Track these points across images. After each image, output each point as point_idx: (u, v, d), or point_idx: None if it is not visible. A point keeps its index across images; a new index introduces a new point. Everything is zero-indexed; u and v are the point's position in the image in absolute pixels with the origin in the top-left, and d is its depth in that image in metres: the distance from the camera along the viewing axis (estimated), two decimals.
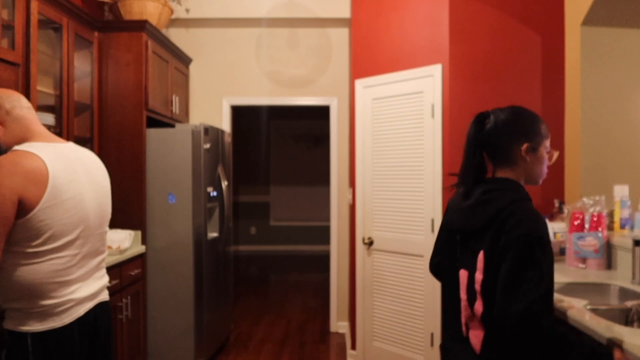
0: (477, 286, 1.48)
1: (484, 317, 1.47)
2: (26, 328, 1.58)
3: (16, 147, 1.62)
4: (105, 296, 1.85)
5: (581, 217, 2.54)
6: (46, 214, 1.56)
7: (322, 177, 7.88)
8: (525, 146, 1.52)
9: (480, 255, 1.46)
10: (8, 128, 1.66)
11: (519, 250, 1.36)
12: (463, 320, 1.57)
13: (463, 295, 1.56)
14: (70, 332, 1.64)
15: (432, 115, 3.06)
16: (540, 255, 1.35)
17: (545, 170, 1.57)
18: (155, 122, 3.60)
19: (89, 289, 1.73)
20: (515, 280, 1.34)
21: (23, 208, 1.52)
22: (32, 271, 1.57)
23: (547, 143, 1.56)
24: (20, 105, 1.69)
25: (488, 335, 1.47)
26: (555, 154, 1.61)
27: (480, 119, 1.56)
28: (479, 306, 1.48)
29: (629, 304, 1.89)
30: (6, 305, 1.62)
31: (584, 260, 2.52)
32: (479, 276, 1.47)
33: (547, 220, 2.68)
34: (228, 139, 4.13)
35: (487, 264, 1.44)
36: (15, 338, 1.59)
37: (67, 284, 1.64)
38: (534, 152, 1.53)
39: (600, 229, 2.46)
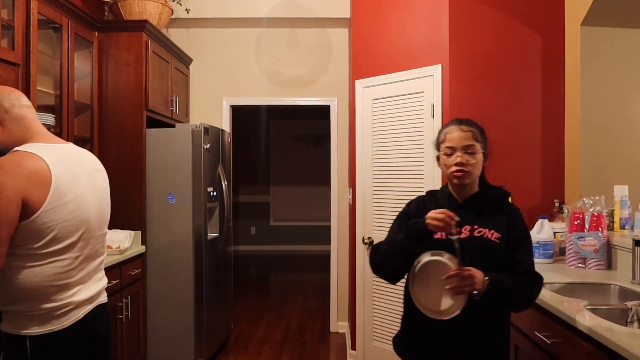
0: None
1: None
2: (25, 331, 1.55)
3: (17, 148, 1.58)
4: (104, 298, 1.82)
5: (581, 217, 2.54)
6: (49, 216, 1.53)
7: (322, 177, 7.84)
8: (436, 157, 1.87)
9: None
10: (7, 127, 1.61)
11: None
12: None
13: None
14: (70, 335, 1.62)
15: (432, 115, 3.06)
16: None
17: (447, 170, 1.79)
18: (155, 122, 3.59)
19: (88, 291, 1.70)
20: None
21: (27, 210, 1.49)
22: (33, 274, 1.54)
23: (442, 146, 1.82)
24: (20, 103, 1.65)
25: None
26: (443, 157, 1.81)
27: None
28: None
29: (629, 304, 1.89)
30: (5, 308, 1.59)
31: (584, 260, 2.52)
32: None
33: (545, 220, 2.69)
34: (228, 139, 4.13)
35: None
36: (14, 341, 1.56)
37: (68, 286, 1.62)
38: (439, 160, 1.85)
39: (600, 229, 2.46)
